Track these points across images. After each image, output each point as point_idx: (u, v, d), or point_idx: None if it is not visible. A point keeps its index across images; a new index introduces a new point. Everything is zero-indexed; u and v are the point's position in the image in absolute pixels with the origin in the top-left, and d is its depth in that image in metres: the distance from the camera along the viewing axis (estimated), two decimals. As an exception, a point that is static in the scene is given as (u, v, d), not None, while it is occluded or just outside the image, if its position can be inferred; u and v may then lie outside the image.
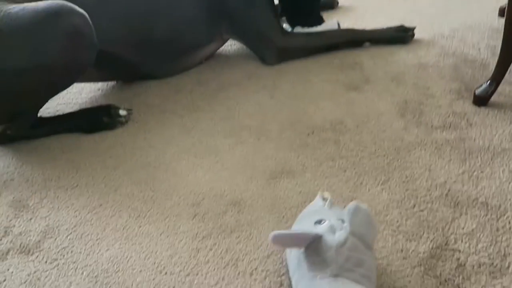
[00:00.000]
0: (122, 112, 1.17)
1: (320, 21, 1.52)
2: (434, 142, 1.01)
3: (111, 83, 1.39)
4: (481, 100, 1.12)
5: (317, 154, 1.00)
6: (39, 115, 1.14)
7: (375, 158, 0.98)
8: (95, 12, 1.12)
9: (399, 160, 0.96)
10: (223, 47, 1.53)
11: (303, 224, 0.68)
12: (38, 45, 0.95)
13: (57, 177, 1.00)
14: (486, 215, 0.80)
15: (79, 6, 1.06)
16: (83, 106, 1.26)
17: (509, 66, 1.09)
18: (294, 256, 0.66)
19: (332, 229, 0.62)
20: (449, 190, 0.87)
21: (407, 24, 1.65)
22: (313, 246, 0.61)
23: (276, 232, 0.61)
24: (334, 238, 0.61)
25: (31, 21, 0.94)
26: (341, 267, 0.59)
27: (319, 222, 0.65)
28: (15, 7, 0.96)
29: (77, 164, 1.04)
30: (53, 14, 0.94)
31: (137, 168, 1.01)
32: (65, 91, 1.36)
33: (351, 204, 0.64)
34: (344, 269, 0.59)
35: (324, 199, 0.71)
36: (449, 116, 1.09)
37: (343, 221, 0.63)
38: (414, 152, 0.99)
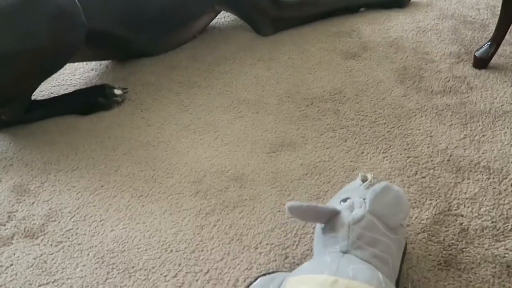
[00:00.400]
0: (117, 92, 1.15)
1: None
2: (435, 107, 1.00)
3: (104, 63, 1.36)
4: (481, 63, 1.10)
5: (317, 125, 1.00)
6: (33, 98, 1.12)
7: (376, 126, 0.97)
8: None
9: (400, 128, 0.96)
10: (216, 19, 1.50)
11: (332, 202, 0.67)
12: (24, 29, 0.92)
13: (57, 160, 0.99)
14: (488, 178, 0.80)
15: None
16: (78, 87, 1.24)
17: (509, 26, 1.07)
18: (316, 231, 0.65)
19: (352, 207, 0.61)
20: (450, 156, 0.87)
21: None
22: (331, 222, 0.60)
23: (292, 202, 0.60)
24: (350, 214, 0.60)
25: (13, 4, 0.91)
26: (352, 244, 0.58)
27: (344, 200, 0.64)
28: None
29: (76, 146, 1.04)
30: None
31: (136, 147, 1.01)
32: (58, 73, 1.33)
33: (379, 184, 0.62)
34: (355, 246, 0.58)
35: (363, 180, 0.68)
36: (449, 80, 1.08)
37: (365, 200, 0.62)
38: (414, 118, 0.98)
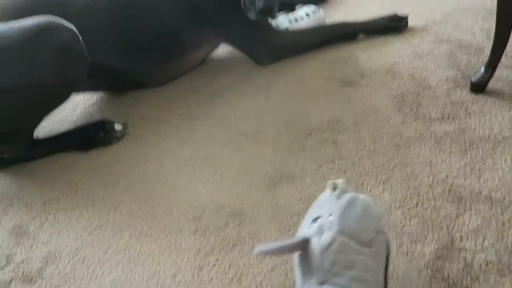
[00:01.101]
0: (117, 127, 1.16)
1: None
2: (434, 135, 0.99)
3: (105, 97, 1.38)
4: (478, 87, 1.10)
5: (315, 157, 0.99)
6: (34, 135, 1.13)
7: (375, 156, 0.97)
8: (79, 22, 1.10)
9: (399, 157, 0.95)
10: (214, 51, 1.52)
11: (305, 222, 0.64)
12: (29, 63, 0.93)
13: (56, 200, 0.99)
14: (491, 209, 0.79)
15: (65, 17, 1.04)
16: (78, 123, 1.25)
17: (504, 49, 1.07)
18: (294, 262, 0.63)
19: (321, 230, 0.58)
20: (451, 185, 0.86)
21: (399, 11, 1.62)
22: (304, 251, 0.58)
23: (260, 247, 0.58)
24: (319, 241, 0.57)
25: (20, 39, 0.93)
26: (327, 272, 0.55)
27: (315, 220, 0.60)
28: (1, 26, 0.94)
29: (76, 184, 1.04)
30: (43, 31, 0.93)
31: (135, 184, 1.01)
32: (59, 109, 1.35)
33: (344, 198, 0.59)
34: (331, 274, 0.55)
35: (334, 189, 0.65)
36: (447, 106, 1.08)
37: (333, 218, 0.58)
38: (413, 147, 0.97)
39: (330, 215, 0.59)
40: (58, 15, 1.02)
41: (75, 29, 1.00)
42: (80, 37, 1.02)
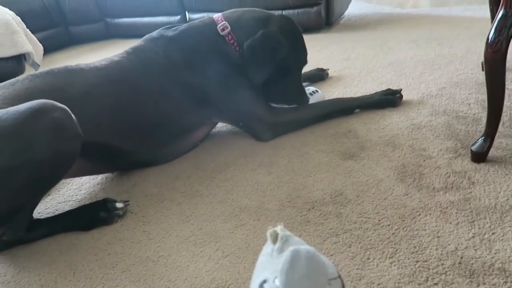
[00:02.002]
0: (119, 205, 1.16)
1: (304, 99, 1.48)
2: (439, 205, 0.98)
3: (110, 176, 1.40)
4: (479, 157, 1.10)
5: (319, 231, 0.97)
6: (38, 215, 1.13)
7: (380, 228, 0.94)
8: (82, 105, 1.15)
9: (405, 229, 0.93)
10: (217, 127, 1.56)
11: (253, 285, 0.59)
12: (22, 143, 0.95)
13: (54, 283, 0.96)
14: (506, 282, 0.75)
15: (65, 101, 1.08)
16: (83, 203, 1.26)
17: (499, 119, 1.09)
18: None
19: None
20: (461, 258, 0.82)
21: (395, 86, 1.70)
22: None
23: None
24: None
25: (13, 122, 0.96)
26: None
27: (262, 285, 0.55)
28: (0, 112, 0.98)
29: (75, 265, 1.01)
30: (34, 112, 0.96)
31: (136, 264, 0.98)
32: (64, 188, 1.37)
33: (287, 255, 0.54)
34: None
35: (274, 240, 0.60)
36: (449, 176, 1.07)
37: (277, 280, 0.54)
38: (419, 218, 0.95)
39: (275, 277, 0.55)
40: (57, 101, 1.05)
41: (67, 109, 1.03)
42: (73, 115, 1.04)
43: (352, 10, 3.62)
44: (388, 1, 3.69)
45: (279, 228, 0.61)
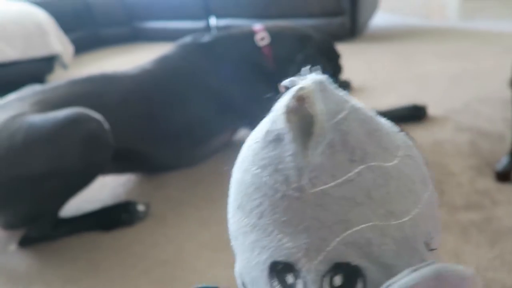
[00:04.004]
0: (140, 208, 1.19)
1: None
2: (459, 224, 0.97)
3: (132, 178, 1.43)
4: (503, 176, 1.09)
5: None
6: (62, 214, 1.17)
7: (398, 244, 0.94)
8: (116, 112, 1.20)
9: (424, 246, 0.92)
10: (239, 134, 1.58)
11: None
12: (57, 151, 1.00)
13: (76, 280, 1.00)
14: (526, 307, 0.74)
15: (101, 108, 1.13)
16: (105, 203, 1.29)
17: (526, 139, 1.08)
18: None
19: None
20: (482, 280, 0.81)
21: (418, 101, 1.68)
22: None
23: None
24: None
25: (51, 129, 1.01)
26: None
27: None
28: (39, 117, 1.03)
29: (97, 264, 1.04)
30: (71, 122, 1.01)
31: (155, 266, 1.00)
32: (88, 188, 1.41)
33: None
34: None
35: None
36: (471, 194, 1.06)
37: None
38: (438, 236, 0.94)
39: None
40: (95, 107, 1.11)
41: (101, 119, 1.08)
42: (107, 125, 1.09)
43: (377, 21, 3.61)
44: (414, 12, 3.66)
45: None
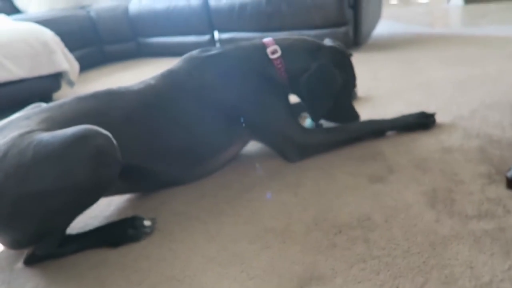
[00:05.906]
0: (147, 223, 1.18)
1: (356, 116, 1.54)
2: (472, 234, 0.94)
3: (138, 193, 1.42)
4: (515, 184, 1.06)
5: (346, 256, 0.95)
6: (68, 230, 1.16)
7: (410, 256, 0.92)
8: (121, 129, 1.20)
9: (436, 257, 0.90)
10: (245, 147, 1.57)
11: None
12: (65, 168, 1.00)
13: (82, 298, 0.98)
14: (545, 319, 0.71)
15: (107, 126, 1.14)
16: (112, 219, 1.28)
17: (537, 145, 1.05)
18: None
19: None
20: (497, 291, 0.79)
21: (425, 108, 1.67)
22: None
23: None
24: None
25: (59, 147, 1.01)
26: None
27: None
28: (47, 135, 1.04)
29: (103, 281, 1.03)
30: (79, 139, 1.01)
31: (161, 282, 0.99)
32: (94, 204, 1.40)
33: None
34: None
35: None
36: (483, 203, 1.04)
37: None
38: (451, 246, 0.92)
39: None
40: (101, 124, 1.11)
41: (110, 136, 1.07)
42: (115, 142, 1.09)
43: (381, 29, 3.61)
44: (418, 20, 3.66)
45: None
